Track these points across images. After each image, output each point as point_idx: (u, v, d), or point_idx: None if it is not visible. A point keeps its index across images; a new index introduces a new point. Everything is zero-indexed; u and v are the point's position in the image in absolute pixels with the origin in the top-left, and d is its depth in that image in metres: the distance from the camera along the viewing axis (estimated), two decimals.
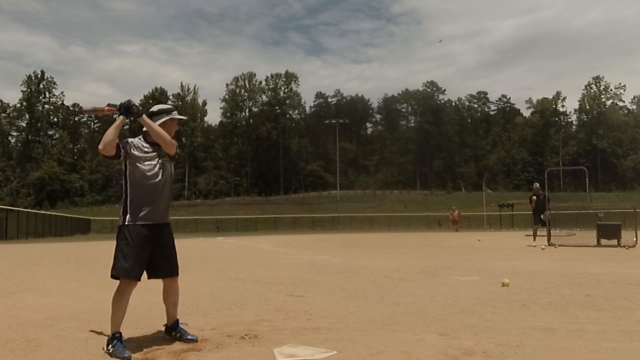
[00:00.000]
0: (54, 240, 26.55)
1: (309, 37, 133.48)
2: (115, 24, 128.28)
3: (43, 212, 40.12)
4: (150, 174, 3.38)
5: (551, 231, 14.76)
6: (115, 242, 3.36)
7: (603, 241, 13.53)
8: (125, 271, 3.25)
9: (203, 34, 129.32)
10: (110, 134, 3.23)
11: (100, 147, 3.24)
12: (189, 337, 3.45)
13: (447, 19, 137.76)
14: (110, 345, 3.14)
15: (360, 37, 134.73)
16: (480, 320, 4.00)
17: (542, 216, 14.80)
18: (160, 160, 3.43)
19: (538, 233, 14.98)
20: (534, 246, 13.94)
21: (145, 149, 3.42)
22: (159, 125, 3.42)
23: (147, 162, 3.39)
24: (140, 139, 3.47)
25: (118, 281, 3.31)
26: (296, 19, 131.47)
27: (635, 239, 13.26)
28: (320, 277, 7.31)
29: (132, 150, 3.36)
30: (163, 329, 3.62)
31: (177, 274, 3.53)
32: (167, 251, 3.47)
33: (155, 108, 3.55)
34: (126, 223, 3.32)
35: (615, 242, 13.30)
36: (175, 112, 3.60)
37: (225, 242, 21.93)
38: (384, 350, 3.11)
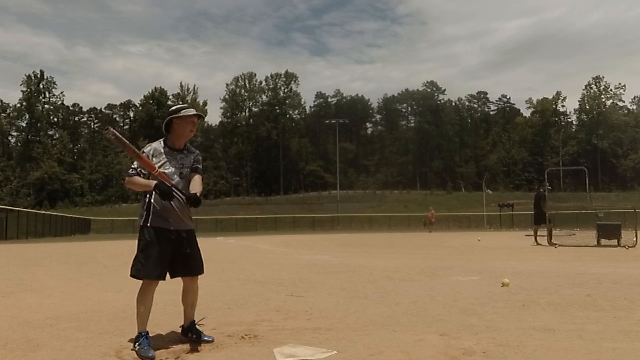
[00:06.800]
0: (54, 240, 26.54)
1: (313, 37, 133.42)
2: (120, 25, 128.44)
3: (43, 212, 40.09)
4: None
5: (537, 230, 15.11)
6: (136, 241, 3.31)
7: (603, 241, 13.54)
8: (146, 271, 3.21)
9: (208, 34, 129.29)
10: (137, 187, 3.28)
11: (127, 186, 3.40)
12: (205, 338, 3.42)
13: (451, 20, 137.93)
14: (137, 344, 3.14)
15: (365, 37, 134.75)
16: (480, 320, 4.00)
17: None
18: (177, 166, 3.36)
19: (539, 233, 15.08)
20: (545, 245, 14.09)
21: (164, 155, 3.34)
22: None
23: (166, 169, 3.31)
24: (160, 142, 3.40)
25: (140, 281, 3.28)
26: (301, 20, 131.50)
27: (635, 239, 13.26)
28: (320, 277, 7.30)
29: (152, 159, 3.29)
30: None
31: (199, 273, 3.44)
32: (187, 253, 3.37)
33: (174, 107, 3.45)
34: (148, 224, 3.27)
35: (615, 242, 13.30)
36: (187, 110, 3.41)
37: (225, 242, 21.92)
38: (384, 350, 3.11)
